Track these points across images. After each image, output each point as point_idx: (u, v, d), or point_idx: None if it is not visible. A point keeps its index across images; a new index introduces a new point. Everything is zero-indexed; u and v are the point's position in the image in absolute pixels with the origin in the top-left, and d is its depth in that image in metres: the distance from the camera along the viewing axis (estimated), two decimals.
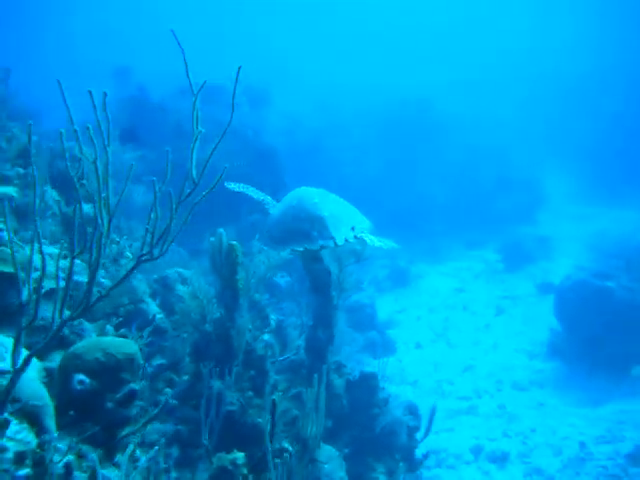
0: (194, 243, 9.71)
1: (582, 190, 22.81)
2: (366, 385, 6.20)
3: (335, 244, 3.82)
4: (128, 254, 5.14)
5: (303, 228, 3.94)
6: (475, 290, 15.66)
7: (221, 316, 4.79)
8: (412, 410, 6.55)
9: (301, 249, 3.93)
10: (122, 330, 4.38)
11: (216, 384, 4.47)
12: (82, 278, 3.77)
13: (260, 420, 4.58)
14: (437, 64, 38.08)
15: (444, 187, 20.95)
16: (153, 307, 5.17)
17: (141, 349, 4.17)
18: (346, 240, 3.86)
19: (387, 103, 23.89)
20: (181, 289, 5.32)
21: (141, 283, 5.30)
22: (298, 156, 20.14)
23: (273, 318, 7.26)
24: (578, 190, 22.93)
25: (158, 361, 4.87)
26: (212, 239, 4.84)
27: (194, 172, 2.95)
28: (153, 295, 5.73)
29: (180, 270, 6.50)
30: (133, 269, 2.87)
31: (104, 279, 4.83)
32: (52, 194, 4.89)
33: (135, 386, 2.95)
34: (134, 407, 3.00)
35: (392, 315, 13.74)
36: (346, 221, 4.05)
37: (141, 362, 3.09)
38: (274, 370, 6.37)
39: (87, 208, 5.51)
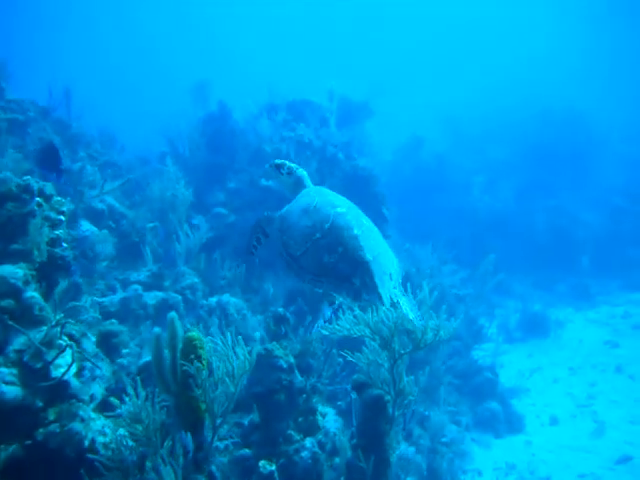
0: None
1: None
2: None
3: (381, 303, 2.86)
4: (60, 342, 3.45)
5: (341, 270, 2.98)
6: (634, 345, 12.33)
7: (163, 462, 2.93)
8: None
9: (341, 299, 2.88)
10: None
11: None
12: None
13: None
14: (589, 67, 33.67)
15: (596, 214, 17.72)
16: (96, 425, 3.42)
17: None
18: (390, 300, 2.87)
19: (525, 116, 21.06)
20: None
21: (89, 383, 3.60)
22: (418, 180, 18.22)
23: (322, 412, 5.27)
24: None
25: None
26: (156, 329, 3.05)
27: None
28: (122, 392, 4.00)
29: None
30: None
31: (7, 385, 3.21)
32: None
33: None
34: None
35: (521, 376, 10.98)
36: (386, 267, 3.06)
37: None
38: None
39: None
